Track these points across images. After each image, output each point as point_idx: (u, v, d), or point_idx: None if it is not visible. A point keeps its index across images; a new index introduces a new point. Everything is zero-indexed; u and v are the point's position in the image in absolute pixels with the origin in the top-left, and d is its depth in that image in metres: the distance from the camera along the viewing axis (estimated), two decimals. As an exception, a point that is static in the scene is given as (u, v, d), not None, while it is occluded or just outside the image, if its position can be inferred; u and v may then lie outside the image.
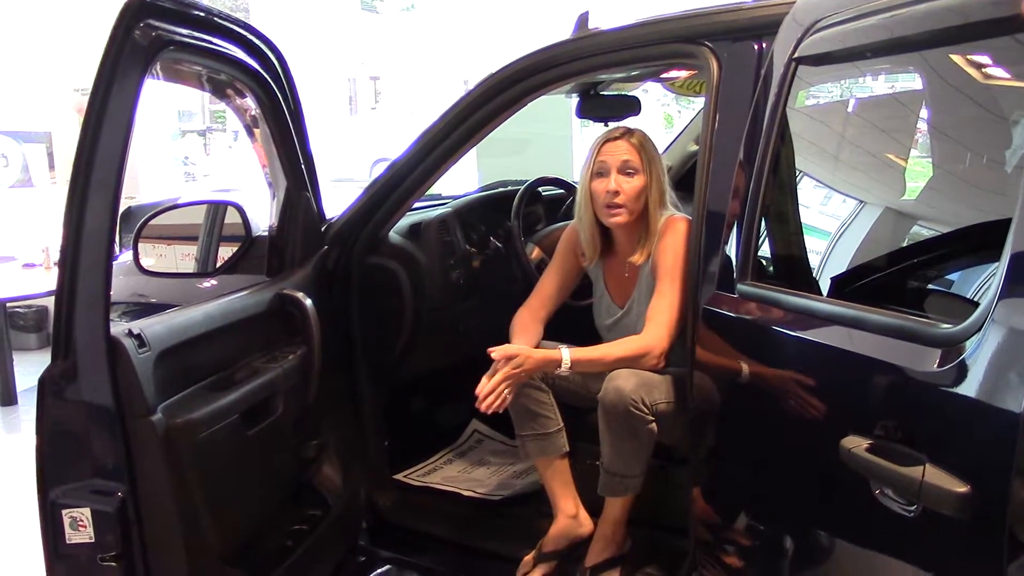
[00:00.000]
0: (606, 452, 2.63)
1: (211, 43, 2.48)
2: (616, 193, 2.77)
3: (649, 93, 6.37)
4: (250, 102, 2.83)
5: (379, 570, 3.21)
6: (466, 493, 3.34)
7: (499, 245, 3.72)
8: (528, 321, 2.91)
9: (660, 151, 2.96)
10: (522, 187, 3.88)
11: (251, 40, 2.68)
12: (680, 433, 2.53)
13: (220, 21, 2.50)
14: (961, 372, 1.37)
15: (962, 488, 1.34)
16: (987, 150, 1.79)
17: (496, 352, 2.59)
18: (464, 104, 2.93)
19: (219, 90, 2.89)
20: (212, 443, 2.30)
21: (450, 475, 3.52)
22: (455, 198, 3.99)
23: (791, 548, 1.96)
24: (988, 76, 1.75)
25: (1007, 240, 1.35)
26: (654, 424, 2.55)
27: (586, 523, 2.81)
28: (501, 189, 4.12)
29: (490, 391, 2.57)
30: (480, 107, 2.90)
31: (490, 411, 2.60)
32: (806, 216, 2.16)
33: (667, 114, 14.75)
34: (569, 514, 2.80)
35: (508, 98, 2.85)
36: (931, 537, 1.46)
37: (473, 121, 2.92)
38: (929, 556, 1.49)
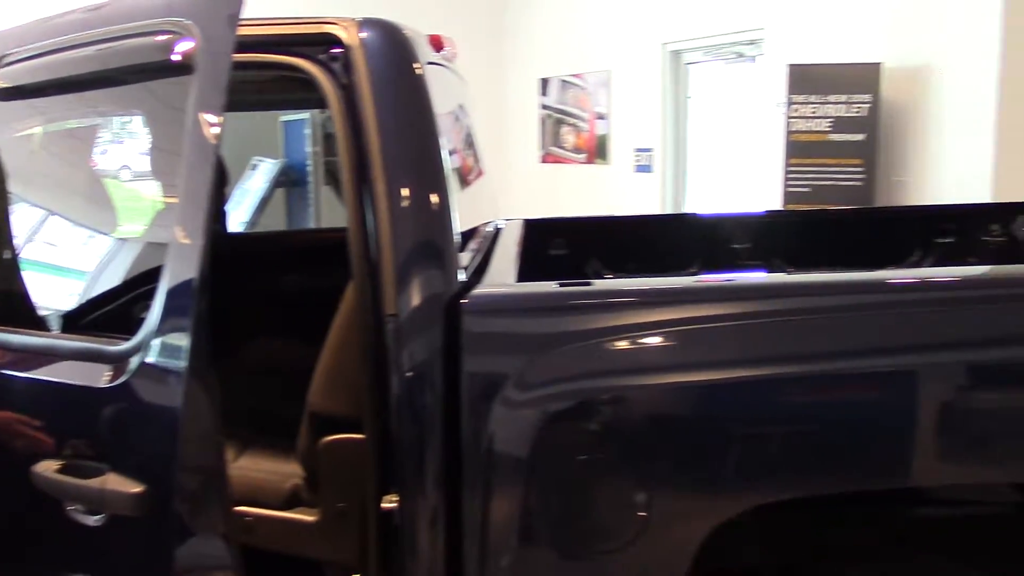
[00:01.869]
0: None
1: None
2: None
3: None
4: None
5: None
6: None
7: None
8: None
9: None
10: None
11: None
12: None
13: None
14: (129, 385, 1.49)
15: (138, 488, 1.46)
16: (169, 185, 1.96)
17: None
18: None
19: None
20: None
21: None
22: None
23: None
24: (154, 115, 1.91)
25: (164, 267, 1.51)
26: None
27: None
28: None
29: None
30: None
31: None
32: (19, 251, 2.13)
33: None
34: None
35: None
36: (121, 540, 1.55)
37: None
38: (122, 559, 1.58)
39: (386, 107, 1.86)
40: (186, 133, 1.51)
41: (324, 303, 2.25)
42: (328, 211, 6.49)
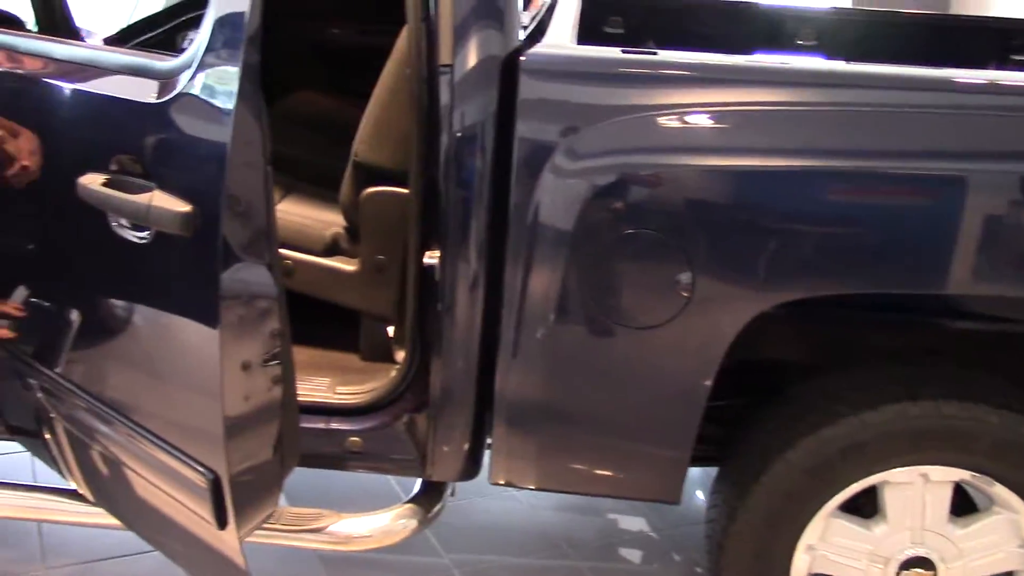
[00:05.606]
0: None
1: None
2: None
3: None
4: None
5: None
6: None
7: None
8: None
9: None
10: None
11: None
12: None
13: None
14: (176, 103, 1.45)
15: (185, 208, 1.44)
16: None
17: None
18: None
19: None
20: None
21: None
22: None
23: (56, 298, 1.90)
24: None
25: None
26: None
27: None
28: None
29: None
30: None
31: None
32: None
33: None
34: None
35: None
36: (165, 257, 1.55)
37: None
38: (165, 275, 1.58)
39: None
40: None
41: (374, 58, 2.16)
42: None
